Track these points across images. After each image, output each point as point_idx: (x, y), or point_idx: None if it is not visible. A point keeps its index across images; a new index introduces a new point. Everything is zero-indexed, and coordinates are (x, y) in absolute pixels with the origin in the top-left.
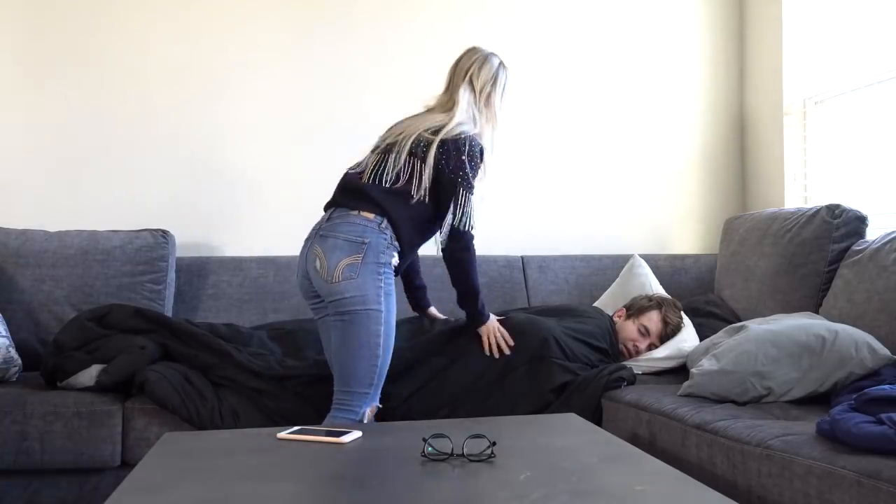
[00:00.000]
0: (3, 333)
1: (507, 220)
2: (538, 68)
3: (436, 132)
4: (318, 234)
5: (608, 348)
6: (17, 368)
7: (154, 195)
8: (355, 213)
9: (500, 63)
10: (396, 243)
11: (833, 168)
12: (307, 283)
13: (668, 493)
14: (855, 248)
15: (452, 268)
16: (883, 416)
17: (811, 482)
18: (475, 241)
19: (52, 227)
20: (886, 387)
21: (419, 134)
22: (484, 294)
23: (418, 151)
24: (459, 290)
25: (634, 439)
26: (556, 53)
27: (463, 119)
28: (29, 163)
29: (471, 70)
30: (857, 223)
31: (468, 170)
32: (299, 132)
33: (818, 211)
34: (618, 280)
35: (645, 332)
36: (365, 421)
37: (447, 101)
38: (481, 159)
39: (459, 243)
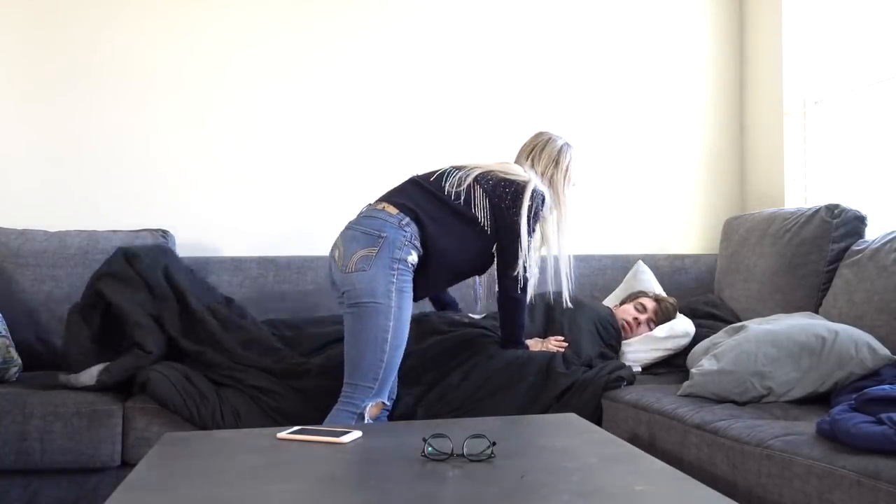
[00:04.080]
0: (3, 333)
1: None
2: (538, 68)
3: (506, 174)
4: (345, 228)
5: (610, 339)
6: (17, 368)
7: (154, 195)
8: (380, 207)
9: (564, 145)
10: (418, 242)
11: (833, 168)
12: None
13: (668, 493)
14: (854, 248)
15: (509, 305)
16: (883, 416)
17: (811, 482)
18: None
19: (52, 227)
20: (886, 387)
21: (491, 171)
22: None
23: (483, 182)
24: (510, 324)
25: (634, 439)
26: (556, 53)
27: (536, 182)
28: (29, 163)
29: (532, 153)
30: (856, 223)
31: (529, 216)
32: (300, 132)
33: (818, 211)
34: (621, 286)
35: (641, 308)
36: (366, 416)
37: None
38: (542, 207)
39: (518, 284)
